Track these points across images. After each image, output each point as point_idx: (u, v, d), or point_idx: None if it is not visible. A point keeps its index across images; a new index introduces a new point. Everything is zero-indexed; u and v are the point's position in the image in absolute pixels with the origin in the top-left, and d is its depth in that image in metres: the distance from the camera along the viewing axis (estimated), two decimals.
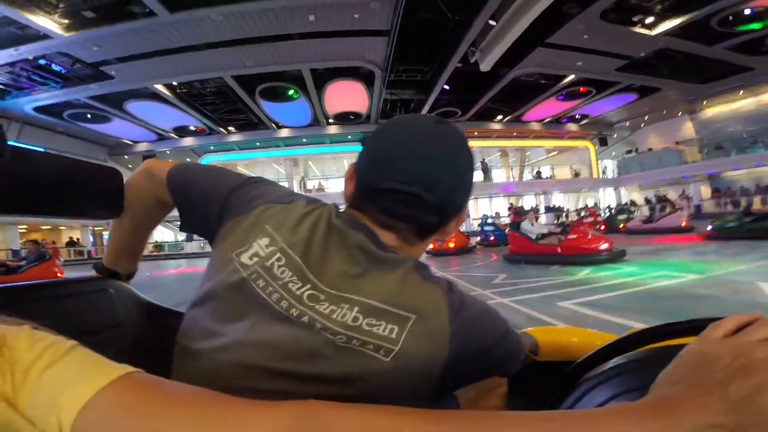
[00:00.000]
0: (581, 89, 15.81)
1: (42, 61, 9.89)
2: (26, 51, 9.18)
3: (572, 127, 21.31)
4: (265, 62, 11.40)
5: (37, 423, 0.30)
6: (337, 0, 8.62)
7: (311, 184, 22.90)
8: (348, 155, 21.76)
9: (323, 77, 12.99)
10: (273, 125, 18.26)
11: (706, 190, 19.45)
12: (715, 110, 18.87)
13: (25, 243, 10.74)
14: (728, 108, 18.36)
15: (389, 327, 0.44)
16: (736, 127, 18.28)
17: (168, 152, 19.74)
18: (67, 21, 8.43)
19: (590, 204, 22.63)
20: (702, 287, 4.09)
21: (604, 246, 6.76)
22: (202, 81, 12.74)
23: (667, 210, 12.84)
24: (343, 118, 18.16)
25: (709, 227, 8.64)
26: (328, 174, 24.94)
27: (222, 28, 9.24)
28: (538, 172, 22.50)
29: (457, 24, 9.62)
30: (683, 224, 11.24)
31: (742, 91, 16.67)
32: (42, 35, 8.58)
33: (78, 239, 18.66)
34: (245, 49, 10.41)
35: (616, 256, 6.70)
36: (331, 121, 18.39)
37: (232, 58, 10.93)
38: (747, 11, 10.04)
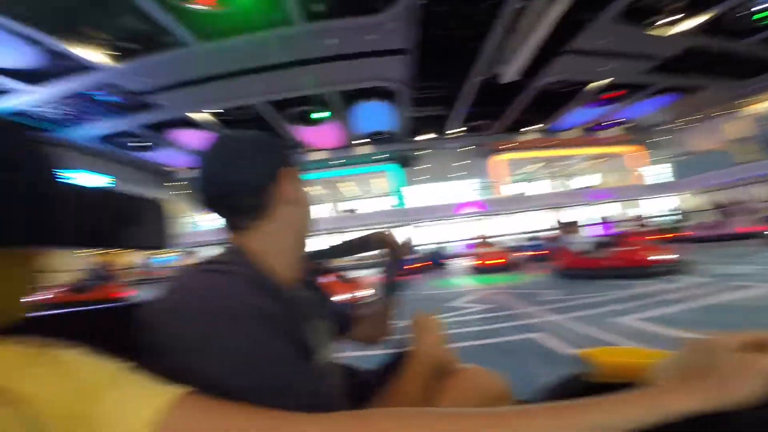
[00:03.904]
0: (617, 93, 15.15)
1: (97, 93, 10.71)
2: (81, 83, 9.99)
3: (613, 132, 20.36)
4: (291, 87, 11.75)
5: None
6: (353, 23, 8.80)
7: (344, 206, 23.01)
8: (378, 175, 21.81)
9: (351, 98, 13.22)
10: (305, 148, 18.74)
11: None
12: (765, 105, 17.33)
13: (90, 264, 11.47)
14: None
15: None
16: None
17: None
18: (113, 53, 9.09)
19: (640, 213, 21.27)
20: None
21: (659, 257, 6.11)
22: (239, 108, 13.28)
23: (730, 216, 11.66)
24: (372, 138, 18.31)
25: None
26: (360, 194, 25.02)
27: (247, 56, 9.64)
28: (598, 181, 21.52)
29: (473, 38, 9.65)
30: (749, 230, 10.11)
31: None
32: (92, 67, 9.30)
33: (134, 262, 19.93)
34: (272, 75, 10.78)
35: (674, 267, 6.04)
36: (360, 141, 18.61)
37: (260, 85, 11.33)
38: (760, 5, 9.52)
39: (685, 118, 19.19)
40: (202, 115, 13.33)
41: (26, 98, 10.43)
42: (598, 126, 19.60)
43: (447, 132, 17.29)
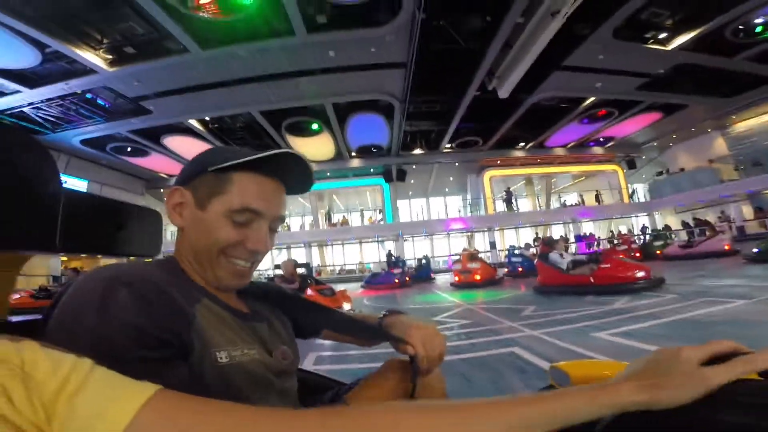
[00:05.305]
0: (603, 111, 15.56)
1: (89, 95, 10.53)
2: (75, 85, 9.81)
3: (598, 150, 20.86)
4: (290, 97, 11.80)
5: None
6: (354, 36, 8.94)
7: (336, 218, 23.11)
8: (370, 188, 21.90)
9: (345, 111, 13.31)
10: None
11: (748, 210, 18.29)
12: (747, 124, 17.72)
13: (65, 270, 11.18)
14: (761, 121, 17.36)
15: None
16: None
17: None
18: (110, 56, 8.99)
19: (623, 231, 21.76)
20: (752, 312, 3.75)
21: (640, 274, 6.40)
22: (232, 116, 13.23)
23: (707, 234, 12.11)
24: (365, 152, 18.45)
25: (755, 249, 8.07)
26: (351, 208, 25.17)
27: (248, 65, 9.69)
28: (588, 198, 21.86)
29: (472, 53, 9.70)
30: (726, 248, 10.54)
31: None
32: (89, 70, 9.16)
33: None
34: (270, 84, 10.84)
35: (654, 284, 6.30)
36: (353, 154, 18.74)
37: (259, 94, 11.38)
38: (758, 20, 9.65)
39: (671, 136, 19.66)
40: (194, 123, 13.25)
41: (21, 98, 10.31)
42: (586, 143, 20.08)
43: (440, 147, 17.54)
